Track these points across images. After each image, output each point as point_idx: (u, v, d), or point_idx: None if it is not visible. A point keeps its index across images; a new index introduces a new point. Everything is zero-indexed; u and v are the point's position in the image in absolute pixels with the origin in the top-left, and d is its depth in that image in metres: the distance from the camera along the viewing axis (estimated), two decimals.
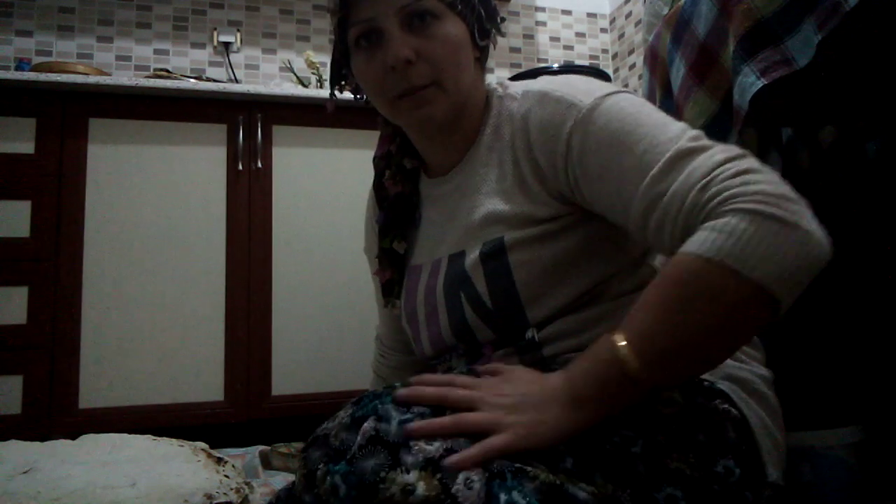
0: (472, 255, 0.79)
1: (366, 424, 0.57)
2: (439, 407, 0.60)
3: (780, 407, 0.76)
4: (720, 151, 0.62)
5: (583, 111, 0.70)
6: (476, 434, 0.58)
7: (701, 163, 0.61)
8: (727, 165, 0.59)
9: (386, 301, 0.95)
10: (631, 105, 0.70)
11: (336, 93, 0.90)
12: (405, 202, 0.91)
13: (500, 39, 0.88)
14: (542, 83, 0.78)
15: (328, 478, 0.56)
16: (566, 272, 0.74)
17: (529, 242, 0.75)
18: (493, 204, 0.79)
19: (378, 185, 0.93)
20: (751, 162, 0.60)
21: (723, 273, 0.55)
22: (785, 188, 0.58)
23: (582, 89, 0.73)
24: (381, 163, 0.93)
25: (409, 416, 0.58)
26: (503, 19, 0.87)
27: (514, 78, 2.23)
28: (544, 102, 0.75)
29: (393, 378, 1.03)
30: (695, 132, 0.66)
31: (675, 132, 0.65)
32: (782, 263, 0.55)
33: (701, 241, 0.57)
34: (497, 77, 2.70)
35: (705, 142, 0.64)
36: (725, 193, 0.57)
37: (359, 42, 0.78)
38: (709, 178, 0.59)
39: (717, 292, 0.56)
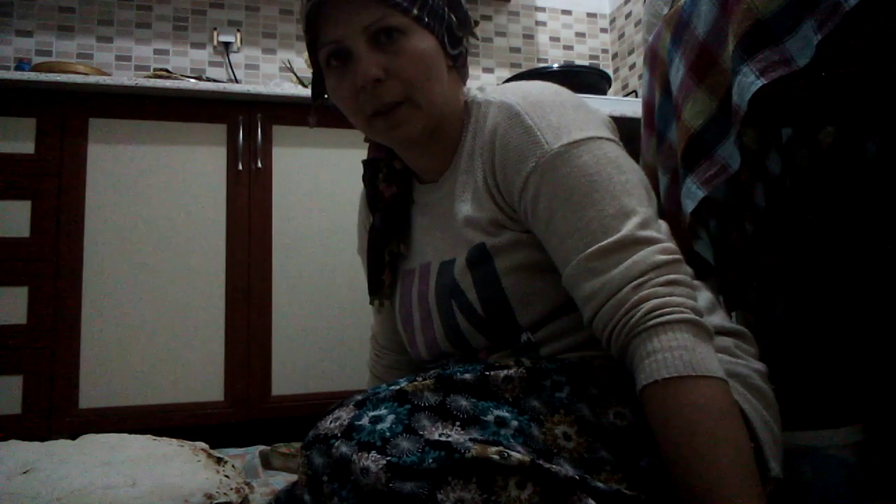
0: (460, 262, 0.80)
1: (372, 465, 0.57)
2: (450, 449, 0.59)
3: (776, 400, 0.77)
4: (660, 252, 0.66)
5: (547, 156, 0.71)
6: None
7: (641, 258, 0.66)
8: (662, 270, 0.65)
9: (372, 299, 0.96)
10: (595, 162, 0.70)
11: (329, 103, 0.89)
12: (401, 202, 0.91)
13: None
14: (519, 96, 0.77)
15: (335, 498, 0.58)
16: (552, 276, 0.74)
17: (512, 248, 0.76)
18: (468, 209, 0.80)
19: (371, 188, 0.93)
20: (679, 271, 0.66)
21: (698, 381, 0.60)
22: (693, 302, 0.65)
23: (554, 124, 0.72)
24: (371, 166, 0.93)
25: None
26: (477, 23, 0.86)
27: (513, 78, 2.24)
28: (513, 124, 0.74)
29: (389, 377, 1.04)
30: (644, 216, 0.69)
31: (626, 208, 0.68)
32: (714, 356, 0.64)
33: (665, 362, 0.61)
34: (497, 77, 2.70)
35: (650, 232, 0.68)
36: (654, 301, 0.63)
37: (329, 62, 0.78)
38: (644, 278, 0.65)
39: (709, 398, 0.60)
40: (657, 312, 0.63)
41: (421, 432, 0.59)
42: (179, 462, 1.10)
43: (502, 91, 0.80)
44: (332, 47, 0.76)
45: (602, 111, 0.81)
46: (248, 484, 1.12)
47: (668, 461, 0.61)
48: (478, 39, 0.87)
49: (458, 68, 0.84)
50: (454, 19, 0.81)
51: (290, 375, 1.85)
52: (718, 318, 0.82)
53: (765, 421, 0.73)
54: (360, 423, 0.61)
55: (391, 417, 0.61)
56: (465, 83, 0.86)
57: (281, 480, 1.25)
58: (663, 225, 0.85)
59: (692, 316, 0.63)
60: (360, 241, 1.04)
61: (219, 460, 1.15)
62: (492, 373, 0.67)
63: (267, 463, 1.37)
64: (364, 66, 0.74)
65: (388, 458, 0.57)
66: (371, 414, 0.62)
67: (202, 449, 1.20)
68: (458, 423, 0.61)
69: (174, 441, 1.22)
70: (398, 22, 0.74)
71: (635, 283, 0.64)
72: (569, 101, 0.76)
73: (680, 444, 0.60)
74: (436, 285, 0.84)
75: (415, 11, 0.75)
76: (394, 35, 0.75)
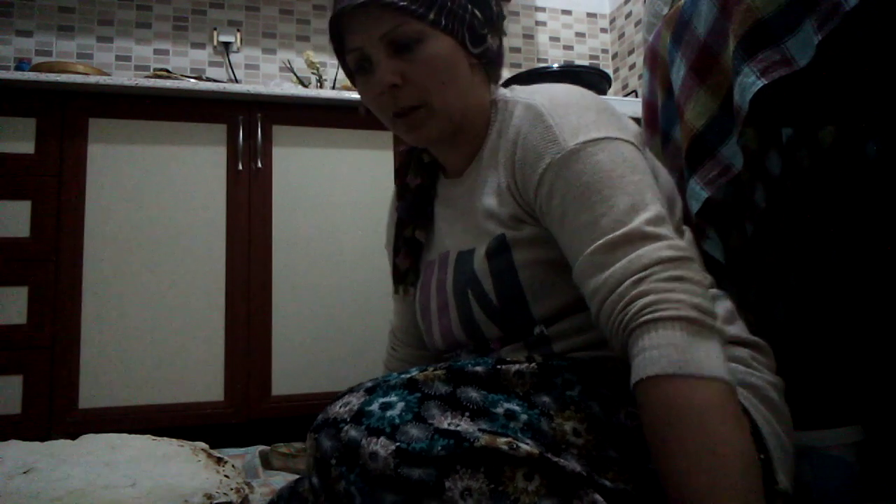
0: (479, 253, 0.81)
1: (381, 450, 0.57)
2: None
3: (789, 414, 0.76)
4: (666, 248, 0.64)
5: (562, 153, 0.71)
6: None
7: (645, 253, 0.64)
8: (666, 265, 0.63)
9: (396, 287, 0.98)
10: (610, 160, 0.70)
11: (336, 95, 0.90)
12: (425, 193, 0.95)
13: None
14: (546, 97, 0.78)
15: (342, 481, 0.58)
16: (569, 272, 0.74)
17: (531, 242, 0.77)
18: (490, 202, 0.81)
19: (401, 178, 0.97)
20: (686, 269, 0.64)
21: (684, 381, 0.57)
22: (699, 300, 0.62)
23: (573, 124, 0.73)
24: (404, 157, 0.97)
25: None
26: (504, 17, 0.87)
27: (513, 78, 2.23)
28: (536, 124, 0.75)
29: None
30: (655, 213, 0.67)
31: (638, 205, 0.67)
32: (717, 355, 0.60)
33: (651, 360, 0.59)
34: None
35: (660, 229, 0.66)
36: (651, 297, 0.61)
37: (356, 67, 0.83)
38: (646, 273, 0.63)
39: (696, 400, 0.57)
40: (650, 308, 0.61)
41: (430, 421, 0.60)
42: (179, 462, 1.10)
43: (531, 92, 0.81)
44: (356, 55, 0.81)
45: (631, 122, 0.80)
46: (248, 484, 1.12)
47: (655, 465, 0.59)
48: (506, 35, 0.87)
49: (485, 66, 0.85)
50: (477, 17, 0.81)
51: (290, 375, 1.85)
52: (737, 329, 0.81)
53: (775, 432, 0.72)
54: (369, 408, 0.61)
55: (401, 405, 0.61)
56: (495, 80, 0.88)
57: (281, 480, 1.25)
58: (687, 233, 0.85)
59: (690, 313, 0.60)
60: (388, 236, 1.06)
61: (219, 460, 1.15)
62: (503, 367, 0.68)
63: (267, 463, 1.37)
64: (381, 74, 0.78)
65: (398, 444, 0.57)
66: (381, 400, 0.62)
67: (202, 449, 1.20)
68: (467, 414, 0.62)
69: (174, 441, 1.22)
70: (413, 29, 0.77)
71: (636, 277, 0.63)
72: (594, 104, 0.76)
73: (659, 446, 0.57)
74: (454, 274, 0.86)
75: (431, 17, 0.77)
76: (410, 42, 0.77)
